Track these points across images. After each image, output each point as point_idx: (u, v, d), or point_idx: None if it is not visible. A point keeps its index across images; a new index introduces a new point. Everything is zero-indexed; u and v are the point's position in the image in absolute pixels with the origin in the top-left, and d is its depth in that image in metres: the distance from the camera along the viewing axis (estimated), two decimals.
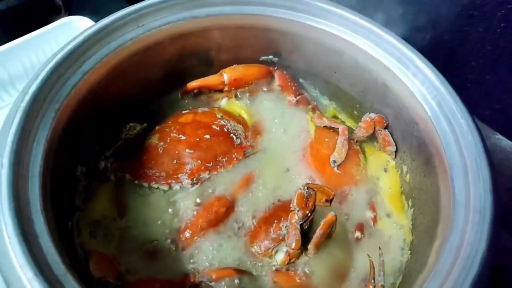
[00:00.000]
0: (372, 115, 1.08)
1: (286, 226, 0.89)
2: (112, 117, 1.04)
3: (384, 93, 1.03)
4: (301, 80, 1.21)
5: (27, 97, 0.79)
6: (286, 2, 1.07)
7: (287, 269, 0.90)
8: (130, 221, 0.94)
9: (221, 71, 1.14)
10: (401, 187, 1.05)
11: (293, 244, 0.86)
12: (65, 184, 0.88)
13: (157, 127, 1.09)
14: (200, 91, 1.17)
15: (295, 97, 1.15)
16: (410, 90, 0.95)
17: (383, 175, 1.08)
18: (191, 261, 0.90)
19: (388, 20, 1.13)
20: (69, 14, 1.68)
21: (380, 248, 0.89)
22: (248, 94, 1.16)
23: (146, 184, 0.98)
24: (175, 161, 1.00)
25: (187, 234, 0.92)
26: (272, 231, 0.91)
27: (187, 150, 1.01)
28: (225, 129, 1.07)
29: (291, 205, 0.87)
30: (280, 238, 0.90)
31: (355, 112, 1.17)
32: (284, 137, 1.10)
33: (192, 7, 1.04)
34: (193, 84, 1.13)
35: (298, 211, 0.86)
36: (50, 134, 0.80)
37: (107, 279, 0.79)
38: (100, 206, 0.96)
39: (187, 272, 0.88)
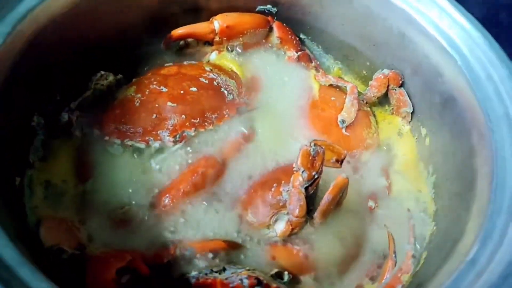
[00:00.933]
0: (386, 71, 0.95)
1: (287, 190, 0.74)
2: (81, 63, 0.87)
3: (401, 44, 0.90)
4: (302, 36, 1.06)
5: None
6: None
7: (288, 242, 0.74)
8: (97, 184, 0.78)
9: (211, 18, 0.98)
10: (418, 154, 0.91)
11: (296, 211, 0.71)
12: (16, 133, 0.71)
13: (134, 80, 0.92)
14: (186, 44, 1.01)
15: (297, 53, 1.00)
16: (434, 36, 0.82)
17: (397, 141, 0.94)
18: (171, 230, 0.75)
19: None
20: None
21: (409, 210, 0.75)
22: (242, 47, 1.01)
23: (118, 141, 0.83)
24: (154, 116, 0.84)
25: (167, 199, 0.77)
26: (270, 196, 0.76)
27: (169, 104, 0.85)
28: (215, 83, 0.91)
29: (294, 165, 0.72)
30: (280, 204, 0.75)
31: (364, 72, 1.03)
32: (284, 95, 0.95)
33: None
34: (179, 31, 0.97)
35: (302, 171, 0.71)
36: None
37: (61, 246, 0.62)
38: (59, 166, 0.81)
39: (166, 243, 0.73)
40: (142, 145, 0.82)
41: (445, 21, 0.81)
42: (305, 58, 1.02)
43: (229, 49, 1.01)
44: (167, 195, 0.77)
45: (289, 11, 1.03)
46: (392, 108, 0.97)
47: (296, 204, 0.71)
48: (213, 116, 0.87)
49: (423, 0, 0.83)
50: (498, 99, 0.70)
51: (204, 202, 0.77)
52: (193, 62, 0.98)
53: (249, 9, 1.02)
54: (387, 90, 0.95)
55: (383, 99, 0.98)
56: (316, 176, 0.72)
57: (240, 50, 1.00)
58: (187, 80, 0.90)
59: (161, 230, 0.74)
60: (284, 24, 1.02)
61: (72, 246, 0.64)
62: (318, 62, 1.05)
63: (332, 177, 0.74)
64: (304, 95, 0.96)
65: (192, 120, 0.85)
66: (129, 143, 0.82)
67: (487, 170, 0.65)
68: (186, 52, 1.02)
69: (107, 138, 0.83)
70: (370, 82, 0.97)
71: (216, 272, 0.68)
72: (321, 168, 0.72)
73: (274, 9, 1.03)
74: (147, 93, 0.87)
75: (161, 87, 0.88)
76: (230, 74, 0.97)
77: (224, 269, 0.68)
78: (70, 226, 0.70)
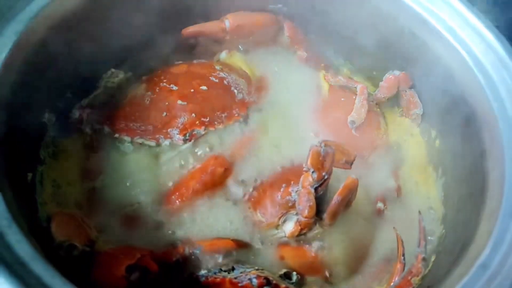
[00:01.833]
0: (396, 72, 0.94)
1: (297, 191, 0.73)
2: (91, 61, 0.87)
3: (412, 44, 0.89)
4: (312, 36, 1.05)
5: None
6: None
7: (297, 243, 0.74)
8: (107, 181, 0.79)
9: (222, 17, 0.98)
10: (427, 156, 0.90)
11: (306, 211, 0.71)
12: (27, 128, 0.71)
13: (144, 77, 0.93)
14: (197, 42, 1.01)
15: (306, 52, 1.00)
16: (445, 38, 0.81)
17: (407, 143, 0.94)
18: (180, 229, 0.75)
19: None
20: None
21: (420, 212, 0.74)
22: (252, 46, 1.01)
23: (128, 139, 0.83)
24: (164, 114, 0.84)
25: (177, 197, 0.77)
26: (279, 196, 0.76)
27: (179, 102, 0.85)
28: (225, 82, 0.91)
29: (304, 165, 0.72)
30: (289, 204, 0.75)
31: (374, 73, 1.02)
32: (293, 95, 0.95)
33: None
34: (189, 30, 0.97)
35: (312, 172, 0.71)
36: (7, 59, 0.64)
37: (72, 242, 0.62)
38: (69, 165, 0.81)
39: (174, 242, 0.73)
40: (152, 143, 0.83)
41: (457, 22, 0.80)
42: (315, 58, 1.02)
43: (239, 48, 1.02)
44: (177, 193, 0.78)
45: (300, 11, 1.02)
46: (402, 110, 0.96)
47: (305, 205, 0.71)
48: (223, 115, 0.87)
49: (436, 1, 0.83)
50: (510, 100, 0.69)
51: (213, 201, 0.77)
52: (203, 60, 0.98)
53: (260, 9, 1.02)
54: (397, 91, 0.95)
55: (393, 100, 0.97)
56: (325, 177, 0.71)
57: (250, 49, 1.01)
58: (197, 78, 0.90)
59: (170, 228, 0.74)
60: (294, 24, 1.03)
61: (82, 242, 0.65)
62: (328, 62, 1.04)
63: (342, 178, 0.74)
64: (314, 95, 0.96)
65: (202, 119, 0.85)
66: (139, 140, 0.83)
67: (498, 173, 0.64)
68: (196, 51, 1.02)
69: (117, 135, 0.83)
70: (380, 83, 0.96)
71: (225, 271, 0.68)
72: (331, 168, 0.72)
73: (285, 9, 1.02)
74: (157, 91, 0.87)
75: (171, 85, 0.88)
76: (240, 73, 0.97)
77: (233, 269, 0.68)
78: (80, 222, 0.70)
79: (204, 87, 0.88)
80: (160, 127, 0.83)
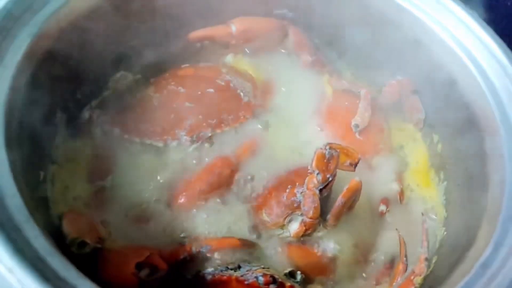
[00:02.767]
0: (399, 77, 0.96)
1: (302, 192, 0.75)
2: (101, 63, 0.89)
3: (415, 51, 0.90)
4: (316, 41, 1.07)
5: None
6: None
7: (301, 243, 0.76)
8: (116, 181, 0.80)
9: (228, 22, 1.00)
10: (429, 160, 0.92)
11: (310, 212, 0.72)
12: (40, 128, 0.73)
13: (152, 80, 0.94)
14: (203, 46, 1.03)
15: (311, 57, 1.02)
16: (448, 45, 0.83)
17: (409, 147, 0.95)
18: (187, 228, 0.76)
19: None
20: None
21: (423, 214, 0.76)
22: (257, 50, 1.02)
23: (137, 140, 0.85)
24: (172, 116, 0.86)
25: (184, 197, 0.79)
26: (285, 197, 0.77)
27: (186, 104, 0.87)
28: (232, 85, 0.93)
29: (309, 167, 0.73)
30: (295, 205, 0.76)
31: (378, 78, 1.03)
32: (298, 99, 0.97)
33: None
34: (196, 34, 0.99)
35: (317, 174, 0.72)
36: (21, 61, 0.65)
37: (84, 239, 0.64)
38: (80, 163, 0.82)
39: (182, 240, 0.74)
40: (160, 144, 0.84)
41: (460, 30, 0.82)
42: (320, 63, 1.03)
43: (245, 52, 1.03)
44: (184, 193, 0.79)
45: (305, 16, 1.04)
46: (405, 114, 0.98)
47: (310, 206, 0.73)
48: (229, 117, 0.89)
49: (439, 8, 0.85)
50: (511, 107, 0.71)
51: (220, 201, 0.79)
52: (209, 64, 1.00)
53: (266, 14, 1.03)
54: (400, 96, 0.97)
55: (396, 105, 0.98)
56: (330, 179, 0.73)
57: (256, 53, 1.02)
58: (204, 81, 0.92)
59: (177, 227, 0.76)
60: (299, 29, 1.04)
61: (93, 240, 0.66)
62: (332, 67, 1.06)
63: (346, 180, 0.75)
64: (318, 99, 0.97)
65: (209, 121, 0.86)
66: (148, 141, 0.84)
67: (499, 177, 0.66)
68: (203, 54, 1.04)
69: (126, 136, 0.85)
70: (384, 88, 0.98)
71: (231, 269, 0.69)
72: (335, 171, 0.73)
73: (290, 14, 1.04)
74: (165, 93, 0.89)
75: (179, 88, 0.90)
76: (246, 77, 0.98)
77: (239, 267, 0.70)
78: (90, 220, 0.71)
79: (211, 90, 0.90)
80: (168, 129, 0.85)
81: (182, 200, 0.79)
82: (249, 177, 0.82)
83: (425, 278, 0.70)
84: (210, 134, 0.85)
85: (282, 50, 1.03)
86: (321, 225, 0.76)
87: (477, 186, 0.72)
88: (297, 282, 0.72)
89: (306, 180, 0.73)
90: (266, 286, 0.66)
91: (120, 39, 0.92)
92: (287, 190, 0.78)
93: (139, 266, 0.66)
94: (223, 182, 0.81)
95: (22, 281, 0.44)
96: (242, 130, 0.89)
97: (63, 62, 0.78)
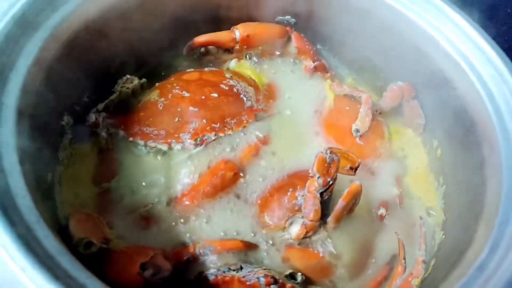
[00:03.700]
0: (400, 83, 0.97)
1: (303, 195, 0.77)
2: (108, 67, 0.91)
3: (415, 57, 0.92)
4: (318, 46, 1.10)
5: (7, 18, 0.66)
6: None
7: (302, 245, 0.78)
8: (122, 182, 0.82)
9: (232, 27, 1.02)
10: (429, 165, 0.94)
11: (311, 215, 0.74)
12: (48, 130, 0.75)
13: (157, 84, 0.96)
14: (207, 51, 1.05)
15: (313, 62, 1.04)
16: (447, 51, 0.85)
17: (409, 152, 0.97)
18: (191, 229, 0.78)
19: None
20: None
21: (421, 217, 0.77)
22: (260, 55, 1.04)
23: (142, 143, 0.86)
24: (176, 119, 0.88)
25: (188, 199, 0.80)
26: (286, 200, 0.79)
27: (191, 108, 0.89)
28: (235, 90, 0.94)
29: (310, 171, 0.75)
30: (296, 208, 0.78)
31: (378, 83, 1.05)
32: (299, 104, 0.98)
33: None
34: (201, 39, 1.00)
35: (318, 177, 0.74)
36: (32, 64, 0.67)
37: (90, 239, 0.65)
38: (86, 165, 0.84)
39: (186, 241, 0.76)
40: (164, 147, 0.85)
41: (459, 37, 0.84)
42: (321, 68, 1.05)
43: (248, 57, 1.05)
44: (188, 195, 0.80)
45: (307, 22, 1.06)
46: (405, 120, 0.99)
47: (311, 208, 0.74)
48: (233, 121, 0.90)
49: (439, 16, 0.87)
50: (508, 113, 0.72)
51: (223, 204, 0.80)
52: (213, 68, 1.02)
53: (269, 20, 1.06)
54: (400, 102, 0.98)
55: (396, 110, 1.00)
56: (331, 182, 0.74)
57: (259, 59, 1.04)
58: (208, 86, 0.93)
59: (181, 228, 0.77)
60: (302, 35, 1.06)
61: (99, 240, 0.68)
62: (333, 72, 1.08)
63: (346, 184, 0.77)
64: (320, 104, 0.99)
65: (213, 125, 0.88)
66: (152, 144, 0.85)
67: (496, 181, 0.68)
68: (207, 59, 1.06)
69: (131, 139, 0.86)
70: (384, 93, 0.99)
71: (233, 270, 0.71)
72: (336, 174, 0.75)
73: (293, 20, 1.06)
74: (170, 97, 0.91)
75: (183, 92, 0.91)
76: (249, 81, 1.00)
77: (241, 268, 0.71)
78: (96, 221, 0.73)
79: (214, 94, 0.92)
80: (172, 132, 0.87)
81: (186, 202, 0.80)
82: (251, 180, 0.84)
83: (423, 280, 0.71)
84: (213, 138, 0.87)
85: (285, 56, 1.05)
86: (321, 228, 0.77)
87: (475, 191, 0.74)
88: (297, 283, 0.73)
89: (307, 184, 0.75)
90: (267, 287, 0.68)
91: (126, 44, 0.94)
92: (289, 193, 0.80)
93: (144, 266, 0.68)
94: (226, 184, 0.82)
95: (34, 280, 0.45)
96: (245, 134, 0.90)
97: (71, 67, 0.80)
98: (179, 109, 0.89)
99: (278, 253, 0.77)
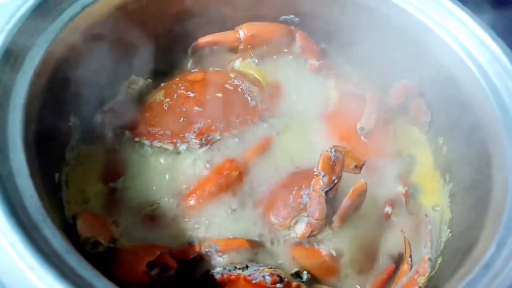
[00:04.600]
0: (405, 80, 0.97)
1: (308, 194, 0.77)
2: (114, 68, 0.91)
3: (419, 54, 0.92)
4: (323, 45, 1.09)
5: (14, 20, 0.67)
6: None
7: (307, 244, 0.78)
8: (128, 182, 0.83)
9: (236, 27, 1.02)
10: (434, 163, 0.93)
11: (317, 213, 0.74)
12: (55, 131, 0.76)
13: (162, 84, 0.97)
14: (211, 51, 1.05)
15: (318, 61, 1.04)
16: (451, 47, 0.85)
17: (414, 150, 0.96)
18: (196, 228, 0.78)
19: None
20: None
21: (426, 215, 0.77)
22: (265, 55, 1.04)
23: (147, 143, 0.87)
24: (182, 119, 0.88)
25: (193, 198, 0.81)
26: (291, 199, 0.79)
27: (196, 108, 0.89)
28: (239, 89, 0.95)
29: (315, 170, 0.75)
30: (301, 207, 0.78)
31: (383, 81, 1.04)
32: (304, 102, 0.99)
33: None
34: (205, 39, 1.01)
35: (323, 176, 0.74)
36: (39, 66, 0.68)
37: (97, 239, 0.66)
38: (93, 165, 0.84)
39: (191, 240, 0.76)
40: (170, 147, 0.86)
41: (463, 33, 0.83)
42: (326, 67, 1.05)
43: (253, 56, 1.05)
44: (193, 194, 0.81)
45: (311, 21, 1.06)
46: (410, 117, 0.99)
47: (316, 207, 0.74)
48: (237, 121, 0.90)
49: (442, 12, 0.86)
50: None
51: (228, 203, 0.80)
52: (218, 69, 1.03)
53: (273, 19, 1.05)
54: (405, 99, 0.98)
55: (401, 108, 0.99)
56: (336, 181, 0.74)
57: (263, 58, 1.04)
58: (213, 86, 0.94)
59: (187, 227, 0.78)
60: (306, 34, 1.06)
61: (106, 240, 0.69)
62: (338, 71, 1.07)
63: (352, 182, 0.77)
64: (325, 103, 0.99)
65: (218, 124, 0.88)
66: (158, 144, 0.86)
67: (502, 178, 0.67)
68: (211, 59, 1.06)
69: (137, 139, 0.87)
70: (389, 91, 0.99)
71: (239, 269, 0.71)
72: (341, 173, 0.75)
73: (297, 19, 1.06)
74: (175, 97, 0.91)
75: (188, 92, 0.92)
76: (253, 81, 1.00)
77: (247, 267, 0.71)
78: (103, 220, 0.74)
79: (219, 94, 0.92)
80: (178, 132, 0.87)
81: (191, 201, 0.80)
82: (256, 179, 0.84)
83: (429, 279, 0.71)
84: (218, 137, 0.88)
85: (289, 55, 1.05)
86: (327, 227, 0.77)
87: (481, 188, 0.73)
88: (303, 282, 0.73)
89: (312, 182, 0.75)
90: (273, 286, 0.68)
91: (132, 45, 0.95)
92: (294, 192, 0.80)
93: (150, 265, 0.68)
94: (231, 184, 0.82)
95: (42, 279, 0.46)
96: (250, 133, 0.90)
97: (77, 68, 0.80)
98: (184, 109, 0.89)
99: (284, 252, 0.77)
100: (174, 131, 0.87)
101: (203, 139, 0.87)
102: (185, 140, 0.86)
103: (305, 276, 0.74)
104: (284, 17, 1.06)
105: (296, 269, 0.75)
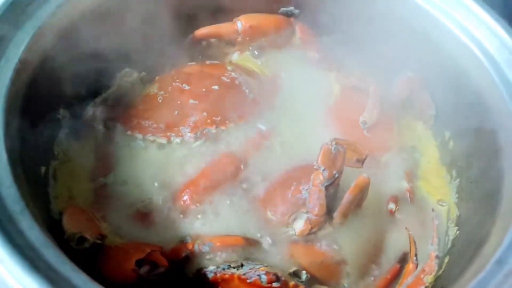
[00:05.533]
0: (409, 73, 0.93)
1: (307, 189, 0.73)
2: (106, 60, 0.88)
3: (425, 45, 0.89)
4: (324, 37, 1.05)
5: None
6: None
7: (307, 241, 0.74)
8: (119, 177, 0.79)
9: (234, 19, 0.99)
10: (440, 158, 0.89)
11: (316, 209, 0.70)
12: (42, 123, 0.73)
13: (157, 77, 0.94)
14: (209, 44, 1.02)
15: (318, 54, 1.00)
16: (459, 37, 0.81)
17: (419, 145, 0.93)
18: (190, 226, 0.75)
19: None
20: None
21: (433, 210, 0.73)
22: (264, 47, 1.01)
23: (140, 136, 0.84)
24: (176, 112, 0.85)
25: (187, 194, 0.77)
26: (290, 195, 0.75)
27: (191, 101, 0.86)
28: (237, 82, 0.91)
29: (314, 164, 0.71)
30: (300, 202, 0.74)
31: (386, 74, 1.01)
32: (304, 96, 0.95)
33: None
34: (202, 31, 0.98)
35: (323, 170, 0.70)
36: (24, 53, 0.65)
37: (83, 235, 0.63)
38: (82, 160, 0.81)
39: (184, 238, 0.73)
40: (163, 141, 0.83)
41: (471, 21, 0.80)
42: (327, 60, 1.01)
43: (251, 49, 1.02)
44: (187, 190, 0.77)
45: (312, 13, 1.02)
46: (415, 111, 0.95)
47: (315, 203, 0.70)
48: (234, 114, 0.87)
49: (448, 0, 0.83)
50: None
51: (223, 199, 0.77)
52: (215, 61, 0.99)
53: (272, 11, 1.03)
54: (409, 92, 0.94)
55: (406, 102, 0.96)
56: (336, 175, 0.71)
57: (262, 51, 1.01)
58: (209, 78, 0.91)
59: (180, 224, 0.74)
60: (306, 26, 1.03)
61: (93, 236, 0.65)
62: (340, 64, 1.04)
63: (353, 177, 0.73)
64: (325, 96, 0.95)
65: (213, 118, 0.85)
66: (151, 138, 0.83)
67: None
68: (208, 52, 1.03)
69: (129, 132, 0.84)
70: (393, 84, 0.95)
71: (234, 267, 0.67)
72: (342, 167, 0.71)
73: (297, 11, 1.03)
74: (169, 90, 0.88)
75: (184, 85, 0.89)
76: (251, 74, 0.97)
77: (242, 265, 0.68)
78: (91, 216, 0.71)
79: (215, 87, 0.89)
80: (172, 125, 0.84)
81: (185, 197, 0.77)
82: (254, 174, 0.81)
83: (436, 278, 0.67)
84: (214, 131, 0.84)
85: (289, 48, 1.02)
86: (327, 223, 0.73)
87: (491, 182, 0.69)
88: (302, 281, 0.69)
89: (312, 177, 0.71)
90: (269, 285, 0.64)
91: (126, 36, 0.92)
92: (292, 187, 0.76)
93: (140, 263, 0.65)
94: (227, 179, 0.79)
95: (11, 271, 0.43)
96: (247, 127, 0.87)
97: (67, 58, 0.77)
98: (178, 102, 0.86)
99: (282, 250, 0.73)
100: (168, 125, 0.84)
101: (198, 132, 0.83)
102: (179, 133, 0.83)
103: (303, 275, 0.70)
104: (284, 8, 1.03)
105: (294, 268, 0.71)
